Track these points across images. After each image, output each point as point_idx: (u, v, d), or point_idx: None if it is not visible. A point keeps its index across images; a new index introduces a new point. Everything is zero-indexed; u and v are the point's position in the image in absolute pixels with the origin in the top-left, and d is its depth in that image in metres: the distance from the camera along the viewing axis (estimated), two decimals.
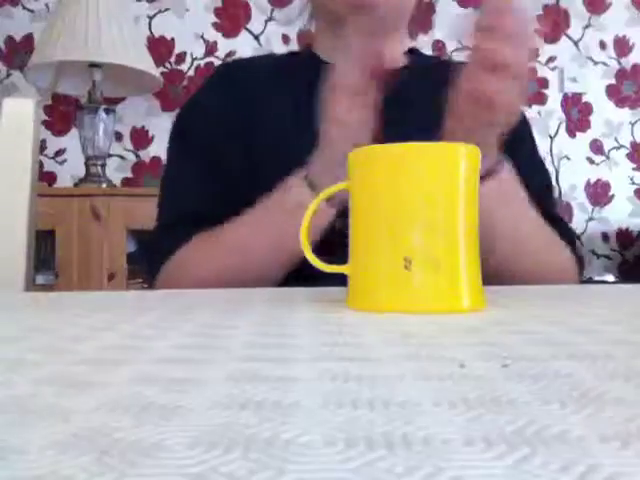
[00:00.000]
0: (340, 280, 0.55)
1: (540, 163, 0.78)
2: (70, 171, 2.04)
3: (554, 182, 2.20)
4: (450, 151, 0.39)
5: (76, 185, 1.83)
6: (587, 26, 2.30)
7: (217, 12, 2.14)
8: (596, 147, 2.29)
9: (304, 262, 0.68)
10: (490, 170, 0.59)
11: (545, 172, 0.78)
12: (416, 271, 0.37)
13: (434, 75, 0.78)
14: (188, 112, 0.78)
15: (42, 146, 2.03)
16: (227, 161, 0.73)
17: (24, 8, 2.08)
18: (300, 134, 0.70)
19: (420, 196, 0.37)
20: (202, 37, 2.13)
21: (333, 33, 0.75)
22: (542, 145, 2.22)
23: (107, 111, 1.81)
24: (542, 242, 0.68)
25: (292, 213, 0.59)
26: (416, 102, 0.73)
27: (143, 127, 2.10)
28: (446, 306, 0.37)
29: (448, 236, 0.38)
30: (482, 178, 0.59)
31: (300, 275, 0.58)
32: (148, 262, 0.73)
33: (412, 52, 0.81)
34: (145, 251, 0.73)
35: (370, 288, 0.39)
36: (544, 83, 2.27)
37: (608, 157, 2.29)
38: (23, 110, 0.76)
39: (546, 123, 2.27)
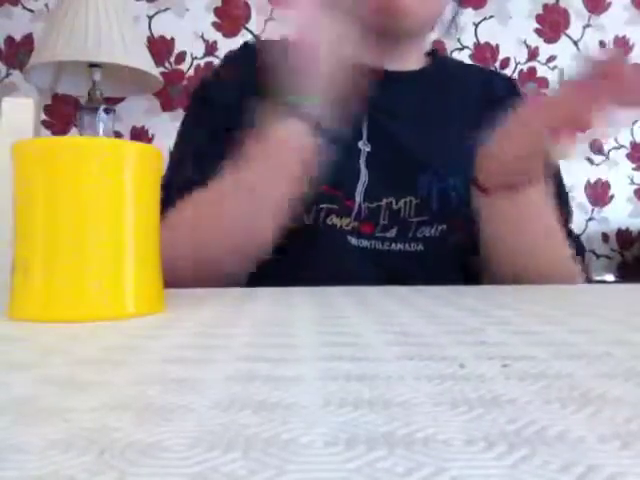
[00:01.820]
0: (341, 280, 0.55)
1: (559, 179, 0.79)
2: None
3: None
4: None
5: None
6: (587, 26, 2.30)
7: (217, 12, 2.14)
8: (596, 147, 2.28)
9: (306, 264, 0.68)
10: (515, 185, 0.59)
11: (563, 187, 0.78)
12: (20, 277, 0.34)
13: (463, 76, 0.79)
14: (211, 80, 0.76)
15: None
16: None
17: (24, 8, 2.08)
18: None
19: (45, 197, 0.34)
20: (202, 37, 2.13)
21: (354, 33, 0.75)
22: None
23: (107, 111, 1.81)
24: (558, 254, 0.68)
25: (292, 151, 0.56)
26: (445, 99, 0.74)
27: (143, 127, 2.09)
28: (68, 313, 0.33)
29: (44, 239, 0.34)
30: (502, 191, 0.59)
31: (300, 276, 0.59)
32: None
33: (431, 53, 0.81)
34: None
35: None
36: (544, 83, 2.27)
37: (608, 157, 2.29)
38: (23, 110, 0.76)
39: None
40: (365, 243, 0.66)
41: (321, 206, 0.65)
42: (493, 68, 2.25)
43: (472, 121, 0.71)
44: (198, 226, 0.61)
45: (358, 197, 0.65)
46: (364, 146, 0.68)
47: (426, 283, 0.54)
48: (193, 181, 0.62)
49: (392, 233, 0.66)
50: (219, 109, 0.70)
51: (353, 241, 0.66)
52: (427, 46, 0.81)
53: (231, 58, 0.77)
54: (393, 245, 0.66)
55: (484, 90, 0.76)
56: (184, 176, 0.67)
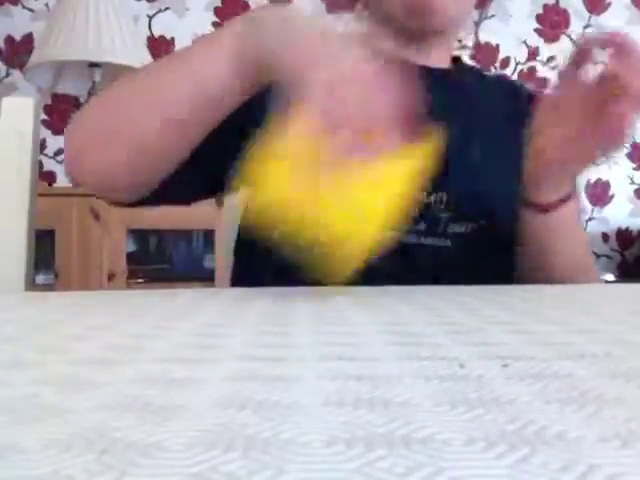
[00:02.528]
0: (366, 271, 0.54)
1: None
2: None
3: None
4: None
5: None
6: (587, 26, 2.30)
7: (217, 12, 2.14)
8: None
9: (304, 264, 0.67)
10: (567, 196, 0.59)
11: (578, 200, 0.79)
12: None
13: (487, 85, 0.79)
14: None
15: (42, 145, 2.03)
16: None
17: (24, 7, 2.08)
18: None
19: None
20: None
21: (384, 31, 0.75)
22: None
23: None
24: (587, 264, 0.69)
25: (220, 54, 0.50)
26: (472, 102, 0.74)
27: None
28: None
29: None
30: (559, 203, 0.60)
31: (300, 276, 0.58)
32: None
33: (455, 60, 0.81)
34: None
35: None
36: (544, 83, 2.27)
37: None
38: (23, 109, 0.75)
39: None
40: (393, 235, 0.66)
41: None
42: (493, 68, 2.25)
43: (498, 131, 0.71)
44: (126, 98, 0.56)
45: None
46: None
47: (453, 279, 0.54)
48: None
49: (421, 227, 0.66)
50: None
51: (428, 241, 0.66)
52: (454, 47, 0.81)
53: None
54: (423, 239, 0.67)
55: (510, 102, 0.77)
56: None
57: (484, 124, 0.72)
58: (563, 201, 0.60)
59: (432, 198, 0.66)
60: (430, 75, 0.74)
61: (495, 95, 0.78)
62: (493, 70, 2.25)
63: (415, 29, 0.71)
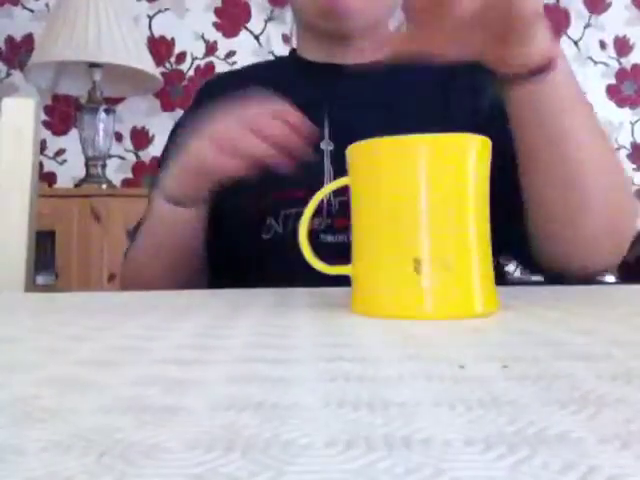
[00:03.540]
0: (339, 281, 0.55)
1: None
2: (70, 171, 2.04)
3: None
4: (459, 142, 0.36)
5: (76, 185, 1.83)
6: (587, 26, 2.30)
7: (217, 12, 2.14)
8: None
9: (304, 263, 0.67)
10: (539, 67, 0.53)
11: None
12: (426, 273, 0.34)
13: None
14: (172, 135, 0.81)
15: (42, 146, 2.03)
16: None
17: (24, 8, 2.08)
18: None
19: (427, 191, 0.34)
20: (202, 37, 2.13)
21: (308, 36, 0.75)
22: None
23: (107, 111, 1.81)
24: (608, 169, 0.59)
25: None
26: (402, 86, 0.73)
27: (143, 127, 2.09)
28: (458, 311, 0.35)
29: (459, 235, 0.35)
30: (530, 74, 0.53)
31: (301, 276, 0.58)
32: None
33: None
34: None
35: (376, 292, 0.36)
36: None
37: None
38: (23, 110, 0.75)
39: None
40: (342, 238, 0.66)
41: (289, 211, 0.65)
42: None
43: (430, 103, 0.70)
44: (147, 254, 0.72)
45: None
46: (327, 145, 0.69)
47: None
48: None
49: (321, 224, 0.66)
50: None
51: (328, 238, 0.66)
52: (390, 35, 0.79)
53: (191, 109, 0.81)
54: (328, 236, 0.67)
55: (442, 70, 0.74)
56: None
57: (414, 109, 0.70)
58: (539, 70, 0.54)
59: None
60: (355, 73, 0.72)
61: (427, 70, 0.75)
62: None
63: (332, 31, 0.71)
